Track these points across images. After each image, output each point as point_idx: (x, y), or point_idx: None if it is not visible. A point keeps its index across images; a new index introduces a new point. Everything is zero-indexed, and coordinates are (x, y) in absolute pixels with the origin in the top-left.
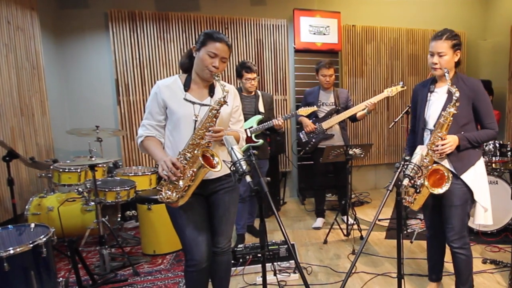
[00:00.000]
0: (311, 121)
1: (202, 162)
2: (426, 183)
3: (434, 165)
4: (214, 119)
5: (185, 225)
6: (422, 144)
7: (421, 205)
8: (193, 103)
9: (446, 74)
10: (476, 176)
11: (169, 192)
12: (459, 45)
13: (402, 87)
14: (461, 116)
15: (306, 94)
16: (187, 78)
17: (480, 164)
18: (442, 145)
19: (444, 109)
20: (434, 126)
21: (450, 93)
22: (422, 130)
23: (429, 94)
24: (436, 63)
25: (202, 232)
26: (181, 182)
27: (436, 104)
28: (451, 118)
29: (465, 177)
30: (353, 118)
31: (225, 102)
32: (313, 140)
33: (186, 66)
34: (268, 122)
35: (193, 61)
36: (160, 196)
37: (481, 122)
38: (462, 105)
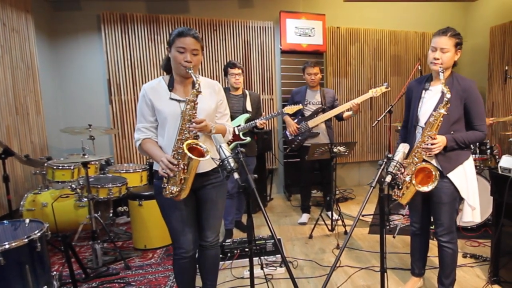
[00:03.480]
0: (297, 119)
1: (189, 155)
2: (413, 181)
3: (423, 163)
4: (194, 111)
5: (172, 216)
6: (414, 140)
7: (409, 199)
8: (179, 101)
9: (441, 73)
10: (464, 175)
11: (172, 187)
12: (461, 44)
13: (386, 88)
14: (452, 114)
15: (294, 93)
16: (170, 79)
17: (469, 163)
18: (432, 144)
19: (435, 109)
20: (425, 124)
21: (443, 92)
22: (414, 127)
23: (423, 91)
24: (437, 58)
25: (188, 223)
26: (176, 176)
27: (429, 103)
28: (441, 119)
29: (452, 175)
30: (339, 117)
31: (199, 92)
32: (299, 138)
33: (167, 67)
34: (252, 122)
35: None
36: (165, 192)
37: (471, 123)
38: (454, 104)
